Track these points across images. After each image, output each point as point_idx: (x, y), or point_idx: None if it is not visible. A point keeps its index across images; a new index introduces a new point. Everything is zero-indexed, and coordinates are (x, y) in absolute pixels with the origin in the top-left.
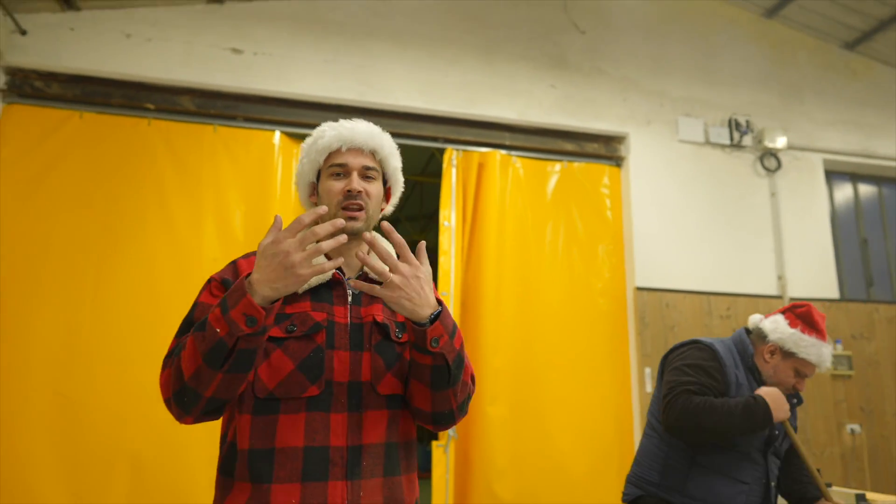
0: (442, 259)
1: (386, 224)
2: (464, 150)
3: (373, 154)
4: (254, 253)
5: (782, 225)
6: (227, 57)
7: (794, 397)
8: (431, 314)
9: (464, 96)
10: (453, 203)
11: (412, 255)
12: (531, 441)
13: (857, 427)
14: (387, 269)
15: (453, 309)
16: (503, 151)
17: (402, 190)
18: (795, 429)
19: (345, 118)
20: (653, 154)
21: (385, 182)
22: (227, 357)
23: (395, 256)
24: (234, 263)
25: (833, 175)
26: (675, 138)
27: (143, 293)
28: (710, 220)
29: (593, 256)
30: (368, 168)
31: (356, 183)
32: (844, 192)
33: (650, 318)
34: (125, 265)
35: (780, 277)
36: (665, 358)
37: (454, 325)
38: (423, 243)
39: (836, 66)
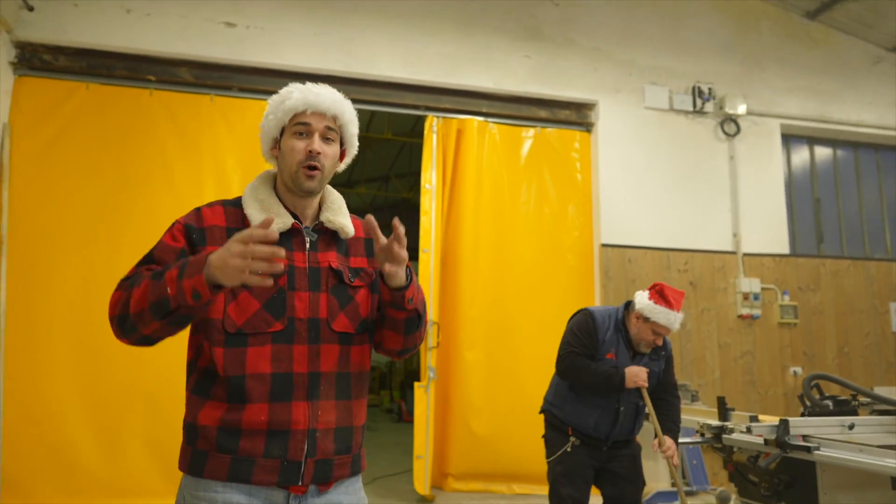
0: (423, 219)
1: (370, 218)
2: (444, 118)
3: (334, 119)
4: (217, 202)
5: (739, 186)
6: (222, 30)
7: (661, 349)
8: (405, 280)
9: (444, 66)
10: (434, 167)
11: (399, 236)
12: (504, 382)
13: (799, 369)
14: (405, 255)
15: (433, 265)
16: (480, 118)
17: (356, 153)
18: (660, 372)
19: (334, 88)
20: (620, 120)
21: (342, 145)
22: (169, 313)
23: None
24: (198, 210)
25: (791, 139)
26: (642, 105)
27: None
28: (672, 182)
29: (563, 216)
30: (329, 129)
31: (317, 144)
32: (801, 154)
33: (614, 272)
34: (134, 225)
35: (735, 235)
36: (570, 319)
37: (412, 279)
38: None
39: (798, 35)
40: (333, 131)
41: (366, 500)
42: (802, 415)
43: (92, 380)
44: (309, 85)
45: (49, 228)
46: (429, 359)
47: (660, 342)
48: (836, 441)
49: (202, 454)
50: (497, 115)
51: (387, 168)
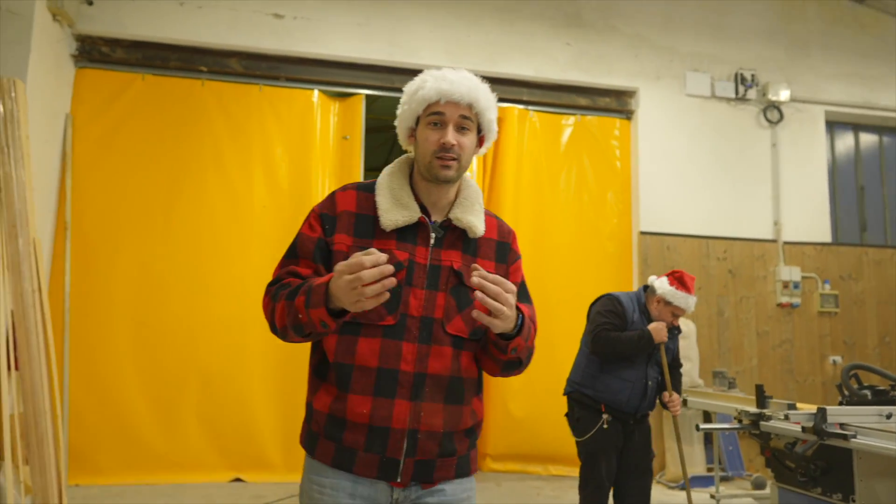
0: None
1: (476, 278)
2: None
3: (469, 107)
4: (351, 186)
5: (781, 174)
6: (270, 21)
7: (676, 329)
8: (514, 328)
9: (485, 55)
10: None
11: (505, 281)
12: (541, 366)
13: (838, 358)
14: (497, 306)
15: None
16: (521, 106)
17: (496, 138)
18: (675, 347)
19: (376, 77)
20: (661, 108)
21: (479, 131)
22: (309, 334)
23: (493, 289)
24: (332, 196)
25: (836, 125)
26: (683, 92)
27: (205, 235)
28: (712, 169)
29: (602, 203)
30: (465, 118)
31: (451, 136)
32: (846, 141)
33: (652, 260)
34: (189, 211)
35: (776, 223)
36: (592, 305)
37: (530, 328)
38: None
39: (845, 20)
40: (469, 120)
41: (474, 501)
42: (840, 404)
43: (150, 358)
44: (444, 71)
45: (109, 214)
46: None
47: (677, 322)
48: (873, 430)
49: (315, 436)
50: (537, 104)
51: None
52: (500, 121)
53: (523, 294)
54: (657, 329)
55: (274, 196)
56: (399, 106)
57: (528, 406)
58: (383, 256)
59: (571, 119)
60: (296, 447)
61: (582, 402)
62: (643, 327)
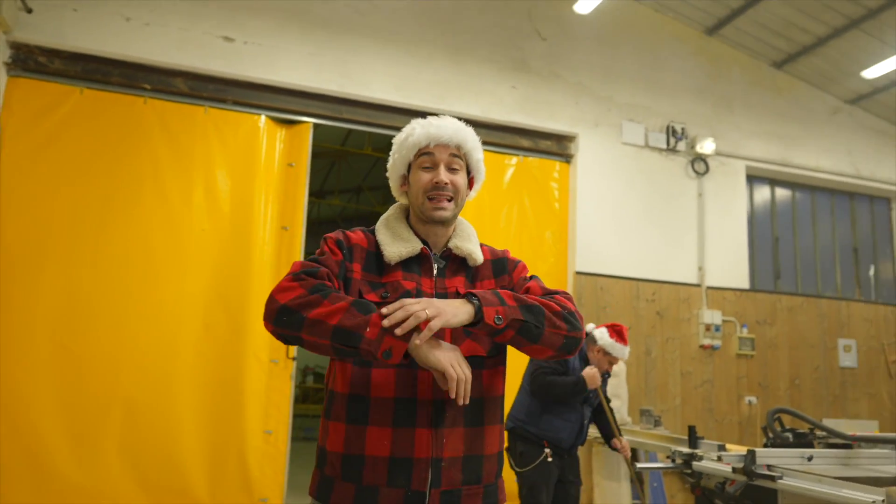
0: None
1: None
2: None
3: (458, 147)
4: (357, 228)
5: (706, 222)
6: (220, 44)
7: (606, 374)
8: (474, 312)
9: (435, 93)
10: None
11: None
12: None
13: (753, 399)
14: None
15: None
16: None
17: (484, 179)
18: (605, 390)
19: (325, 106)
20: (599, 153)
21: (469, 172)
22: (347, 347)
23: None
24: (342, 231)
25: (754, 179)
26: (619, 140)
27: (138, 257)
28: (645, 215)
29: (541, 242)
30: (454, 157)
31: (443, 175)
32: (763, 194)
33: (586, 300)
34: (122, 231)
35: (700, 268)
36: None
37: (497, 294)
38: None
39: (765, 83)
40: (458, 159)
41: None
42: (765, 446)
43: (71, 384)
44: (430, 119)
45: (36, 231)
46: None
47: (611, 370)
48: (797, 471)
49: (329, 481)
50: (483, 143)
51: (360, 179)
52: None
53: (532, 277)
54: (591, 376)
55: (214, 220)
56: (389, 157)
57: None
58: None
59: (514, 159)
60: (224, 481)
61: (524, 437)
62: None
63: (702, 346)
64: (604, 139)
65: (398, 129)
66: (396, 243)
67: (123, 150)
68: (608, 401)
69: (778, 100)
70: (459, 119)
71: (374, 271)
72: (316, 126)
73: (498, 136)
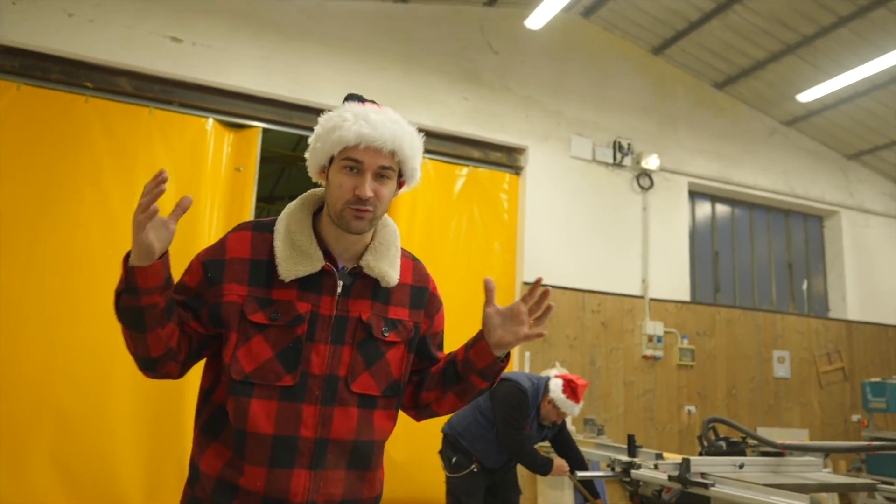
0: None
1: (489, 281)
2: None
3: (392, 155)
4: (246, 226)
5: (650, 236)
6: (167, 44)
7: (555, 425)
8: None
9: (385, 101)
10: None
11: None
12: None
13: (693, 408)
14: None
15: None
16: None
17: (417, 182)
18: (557, 430)
19: (275, 111)
20: (547, 166)
21: (400, 175)
22: (121, 313)
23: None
24: (222, 242)
25: (696, 195)
26: (568, 154)
27: (74, 260)
28: (591, 227)
29: (489, 252)
30: (385, 168)
31: (368, 188)
32: (704, 210)
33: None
34: (58, 233)
35: (644, 280)
36: (501, 381)
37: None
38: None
39: (707, 103)
40: (390, 169)
41: None
42: (700, 454)
43: None
44: (367, 109)
45: None
46: None
47: (559, 421)
48: (729, 479)
49: (198, 501)
50: (434, 152)
51: (311, 185)
52: None
53: (440, 345)
54: (560, 467)
55: None
56: (312, 139)
57: (409, 450)
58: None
59: (465, 170)
60: (162, 492)
61: (457, 447)
62: (532, 422)
63: (644, 357)
64: (553, 152)
65: None
66: (294, 258)
67: (62, 149)
68: (570, 440)
69: (719, 119)
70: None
71: (263, 283)
72: (265, 131)
73: (449, 146)
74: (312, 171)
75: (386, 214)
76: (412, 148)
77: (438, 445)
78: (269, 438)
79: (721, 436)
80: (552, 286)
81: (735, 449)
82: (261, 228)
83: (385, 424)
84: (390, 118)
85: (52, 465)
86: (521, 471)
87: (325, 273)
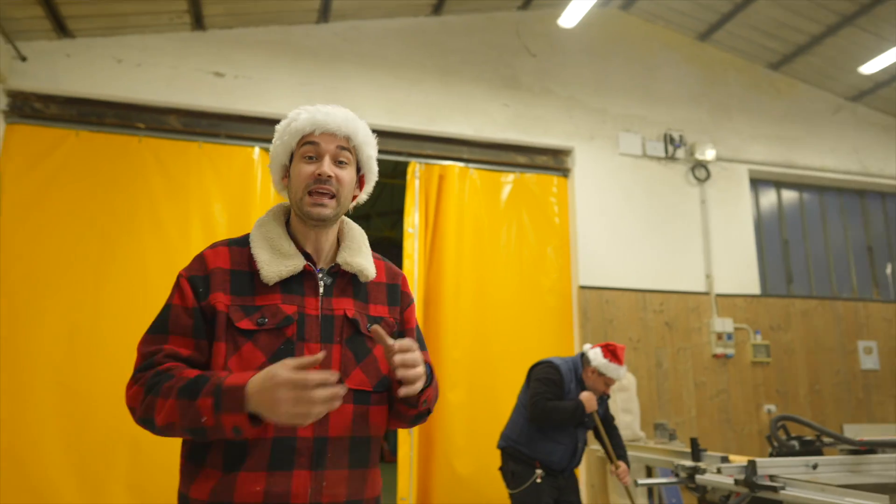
0: (406, 262)
1: (376, 329)
2: (426, 164)
3: (347, 139)
4: (222, 243)
5: (710, 229)
6: (211, 80)
7: (605, 396)
8: (424, 383)
9: (425, 114)
10: (416, 211)
11: (410, 346)
12: (486, 422)
13: (773, 407)
14: (416, 373)
15: (417, 308)
16: (461, 164)
17: (377, 179)
18: (603, 412)
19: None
20: (596, 166)
21: (359, 170)
22: (207, 437)
23: (411, 359)
24: (200, 256)
25: (759, 183)
26: (616, 151)
27: (136, 293)
28: (647, 225)
29: (542, 258)
30: (342, 149)
31: (327, 167)
32: (769, 198)
33: (592, 313)
34: (120, 269)
35: (708, 276)
36: (532, 368)
37: (433, 379)
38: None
39: (762, 85)
40: (347, 152)
41: None
42: (770, 455)
43: (76, 423)
44: (318, 105)
45: (37, 273)
46: None
47: (608, 391)
48: (800, 481)
49: None
50: (477, 161)
51: (368, 207)
52: (440, 178)
53: (420, 341)
54: (588, 399)
55: None
56: (271, 146)
57: (474, 464)
58: (329, 375)
59: (511, 176)
60: None
61: (516, 457)
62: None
63: (714, 356)
64: (600, 151)
65: (390, 152)
66: (275, 261)
67: (120, 188)
68: (612, 421)
69: (777, 101)
70: (453, 139)
71: (246, 292)
72: None
73: (492, 154)
74: (276, 178)
75: (347, 218)
76: (366, 135)
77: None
78: (269, 441)
79: (793, 435)
80: (610, 288)
81: (809, 448)
82: (236, 243)
83: (380, 420)
84: (341, 109)
85: (128, 492)
86: (593, 479)
87: (305, 275)
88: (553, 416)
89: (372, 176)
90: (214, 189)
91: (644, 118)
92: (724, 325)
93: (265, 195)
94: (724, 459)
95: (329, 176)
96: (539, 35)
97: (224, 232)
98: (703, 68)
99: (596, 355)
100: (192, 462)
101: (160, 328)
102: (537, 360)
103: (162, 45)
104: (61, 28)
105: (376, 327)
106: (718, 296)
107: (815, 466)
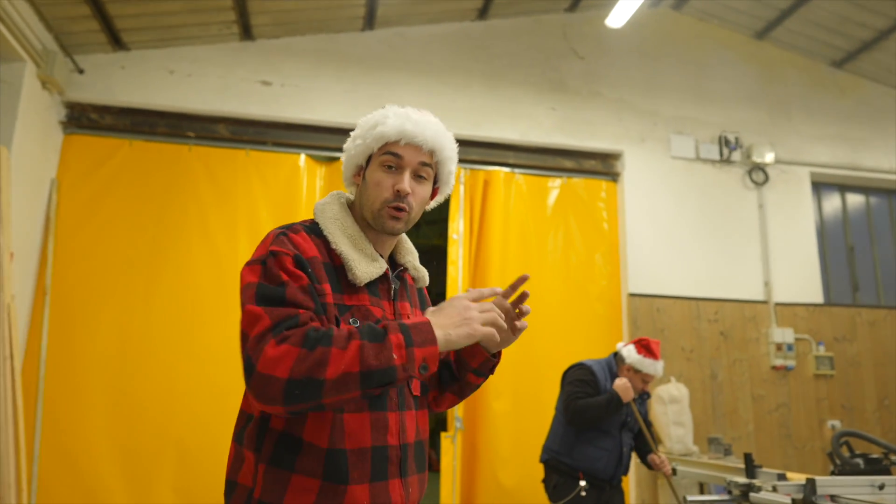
0: (450, 268)
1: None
2: (471, 169)
3: (431, 154)
4: (298, 228)
5: (769, 234)
6: (258, 88)
7: (645, 394)
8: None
9: (471, 119)
10: (461, 217)
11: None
12: (532, 433)
13: (837, 423)
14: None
15: None
16: (507, 169)
17: (451, 191)
18: (644, 412)
19: None
20: (647, 170)
21: (435, 182)
22: (386, 384)
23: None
24: (286, 238)
25: (822, 186)
26: (668, 154)
27: (186, 301)
28: (700, 230)
29: (590, 265)
30: (424, 165)
31: (406, 183)
32: (833, 202)
33: (642, 322)
34: (171, 276)
35: (767, 284)
36: (565, 373)
37: None
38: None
39: (824, 84)
40: (428, 167)
41: None
42: (832, 473)
43: (126, 427)
44: (408, 110)
45: (90, 279)
46: (455, 408)
47: (646, 388)
48: (865, 502)
49: None
50: (523, 166)
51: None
52: (486, 183)
53: None
54: (623, 388)
55: None
56: (350, 140)
57: (519, 474)
58: (496, 291)
59: (558, 181)
60: None
61: (559, 468)
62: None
63: (774, 367)
64: (651, 155)
65: None
66: (363, 260)
67: (171, 197)
68: (646, 421)
69: (841, 100)
70: (499, 144)
71: (339, 289)
72: None
73: (539, 158)
74: (347, 174)
75: None
76: (451, 150)
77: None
78: (369, 451)
79: (858, 452)
80: (662, 296)
81: (876, 467)
82: (312, 232)
83: (427, 423)
84: (431, 119)
85: (175, 495)
86: (643, 494)
87: (382, 277)
88: (588, 413)
89: (447, 189)
90: (261, 196)
91: (697, 120)
92: (784, 335)
93: (310, 202)
94: (782, 477)
95: (408, 193)
96: (587, 37)
97: (263, 231)
98: (761, 67)
99: (630, 352)
100: (278, 466)
101: (278, 301)
102: (569, 367)
103: (211, 56)
104: (116, 41)
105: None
106: (778, 304)
107: (881, 487)
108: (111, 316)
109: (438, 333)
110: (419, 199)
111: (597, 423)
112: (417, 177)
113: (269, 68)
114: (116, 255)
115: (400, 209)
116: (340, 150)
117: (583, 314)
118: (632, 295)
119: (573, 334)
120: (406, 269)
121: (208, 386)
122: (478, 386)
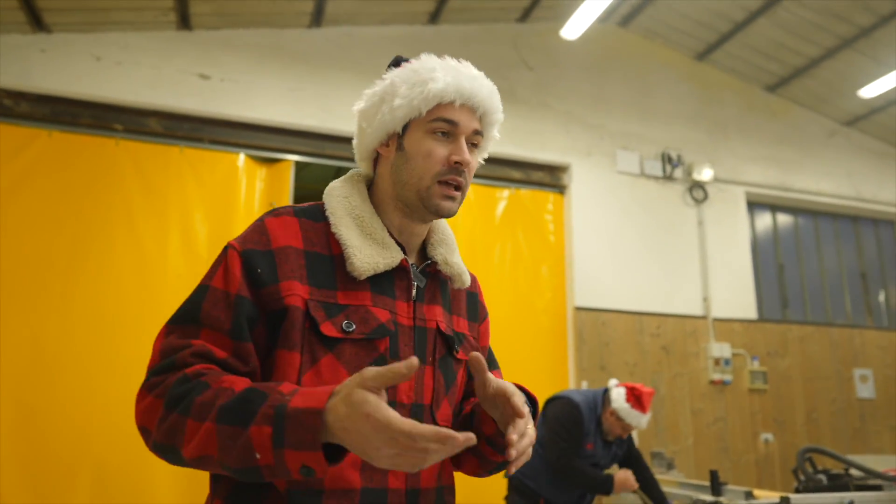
0: None
1: (478, 359)
2: None
3: (482, 119)
4: (287, 210)
5: (708, 251)
6: (195, 82)
7: (623, 440)
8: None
9: None
10: None
11: (516, 400)
12: None
13: (770, 436)
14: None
15: None
16: None
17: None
18: (625, 451)
19: (307, 143)
20: (593, 183)
21: None
22: (255, 477)
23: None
24: (261, 225)
25: (754, 206)
26: (614, 169)
27: (108, 307)
28: (644, 245)
29: (537, 277)
30: (477, 133)
31: (466, 153)
32: (764, 221)
33: (587, 335)
34: (92, 280)
35: (706, 299)
36: (548, 403)
37: (537, 414)
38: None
39: (759, 107)
40: (479, 135)
41: None
42: (797, 490)
43: (34, 445)
44: (456, 64)
45: (0, 279)
46: None
47: (625, 435)
48: None
49: None
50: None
51: None
52: None
53: (492, 361)
54: (622, 481)
55: (191, 264)
56: (372, 104)
57: (461, 485)
58: (447, 433)
59: (506, 192)
60: None
61: (521, 490)
62: (594, 438)
63: (712, 382)
64: (597, 168)
65: None
66: (369, 247)
67: (94, 193)
68: (639, 458)
69: (773, 123)
70: None
71: (326, 284)
72: (301, 165)
73: (488, 168)
74: (368, 147)
75: None
76: (500, 114)
77: (503, 490)
78: (357, 493)
79: (819, 468)
80: (607, 309)
81: (838, 483)
82: (306, 214)
83: (450, 465)
84: (481, 74)
85: None
86: None
87: (397, 271)
88: (575, 479)
89: (480, 156)
90: (195, 196)
91: (642, 136)
92: (722, 349)
93: (249, 204)
94: (749, 495)
95: (469, 164)
96: (537, 48)
97: (204, 241)
98: (701, 88)
99: (619, 396)
100: None
101: (188, 317)
102: (554, 395)
103: (144, 44)
104: (37, 21)
105: (478, 358)
106: (716, 319)
107: (850, 503)
108: (21, 323)
109: (330, 436)
110: (472, 174)
111: (578, 487)
112: (472, 145)
113: (208, 61)
114: (30, 255)
115: (456, 186)
116: (282, 150)
117: (529, 327)
118: (578, 308)
119: (519, 348)
120: (436, 264)
121: (131, 400)
122: (497, 464)
